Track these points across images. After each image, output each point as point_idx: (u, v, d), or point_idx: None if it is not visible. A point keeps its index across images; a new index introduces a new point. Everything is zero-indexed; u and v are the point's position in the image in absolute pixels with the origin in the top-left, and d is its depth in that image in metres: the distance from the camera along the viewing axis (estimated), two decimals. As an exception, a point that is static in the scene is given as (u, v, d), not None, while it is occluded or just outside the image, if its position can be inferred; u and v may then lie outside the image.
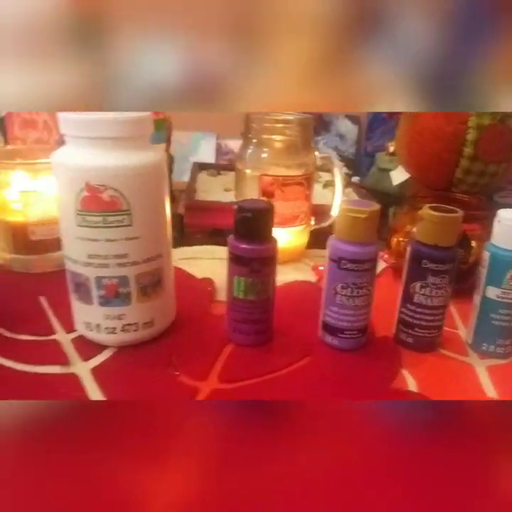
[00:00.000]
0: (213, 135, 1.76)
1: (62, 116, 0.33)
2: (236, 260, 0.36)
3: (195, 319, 0.41)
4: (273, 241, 0.37)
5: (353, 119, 1.78)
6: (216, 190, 0.69)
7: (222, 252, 0.56)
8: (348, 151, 1.71)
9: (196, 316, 0.42)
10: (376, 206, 0.36)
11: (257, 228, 0.36)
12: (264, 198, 0.49)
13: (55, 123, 0.65)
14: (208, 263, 0.53)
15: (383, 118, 1.68)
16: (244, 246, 0.36)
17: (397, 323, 0.39)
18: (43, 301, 0.43)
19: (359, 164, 1.62)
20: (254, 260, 0.36)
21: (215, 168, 0.77)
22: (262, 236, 0.36)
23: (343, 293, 0.36)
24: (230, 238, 0.36)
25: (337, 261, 0.36)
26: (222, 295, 0.46)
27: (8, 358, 0.35)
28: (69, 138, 0.34)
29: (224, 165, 0.91)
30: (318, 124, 1.79)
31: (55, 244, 0.48)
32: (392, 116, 0.66)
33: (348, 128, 1.77)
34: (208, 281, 0.48)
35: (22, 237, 0.46)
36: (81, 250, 0.34)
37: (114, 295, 0.35)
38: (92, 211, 0.33)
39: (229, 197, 0.66)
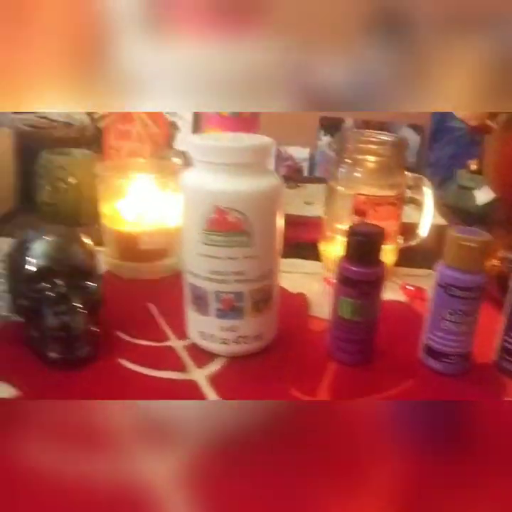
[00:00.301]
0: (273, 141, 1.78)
1: (193, 142, 0.36)
2: (345, 281, 0.38)
3: (295, 334, 0.43)
4: (382, 264, 0.38)
5: (416, 128, 1.76)
6: (297, 203, 0.71)
7: (309, 266, 0.58)
8: (409, 161, 1.69)
9: (295, 331, 0.44)
10: (487, 236, 0.36)
11: (368, 252, 0.37)
12: (366, 220, 0.50)
13: (148, 134, 0.69)
14: (297, 277, 0.55)
15: (449, 128, 1.64)
16: (354, 268, 0.37)
17: (500, 351, 0.39)
18: (152, 307, 0.46)
19: (421, 175, 1.59)
20: (364, 283, 0.37)
21: (293, 180, 0.79)
22: (373, 259, 0.37)
23: (450, 319, 0.37)
24: (340, 259, 0.38)
25: (445, 287, 0.37)
26: (315, 310, 0.48)
27: (131, 360, 0.39)
28: (198, 162, 0.36)
29: (301, 177, 0.93)
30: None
31: (161, 253, 0.51)
32: (476, 134, 0.65)
33: (410, 137, 1.75)
34: (301, 296, 0.50)
35: (132, 246, 0.50)
36: (203, 266, 0.37)
37: (230, 308, 0.38)
38: (218, 231, 0.36)
39: (310, 210, 0.68)
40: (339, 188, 0.53)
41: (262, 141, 0.36)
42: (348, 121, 1.80)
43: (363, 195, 0.51)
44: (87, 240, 0.40)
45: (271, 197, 0.36)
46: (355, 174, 0.52)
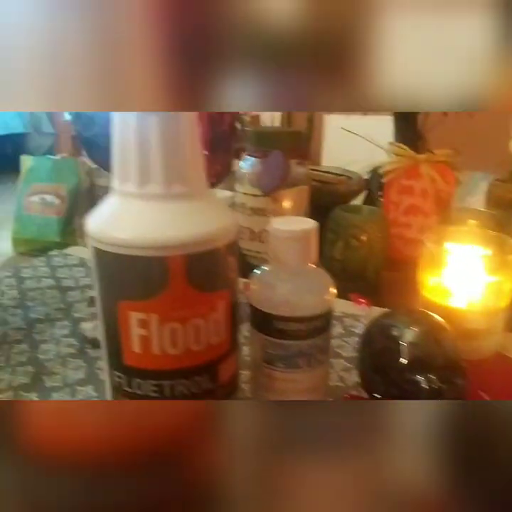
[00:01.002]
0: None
1: None
2: None
3: None
4: None
5: None
6: None
7: None
8: None
9: None
10: None
11: None
12: None
13: (434, 191, 0.66)
14: None
15: None
16: None
17: None
18: (485, 396, 0.43)
19: None
20: None
21: None
22: None
23: None
24: None
25: None
26: None
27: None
28: None
29: None
30: None
31: (484, 332, 0.47)
32: None
33: None
34: None
35: (455, 323, 0.47)
36: None
37: None
38: None
39: None
40: None
41: None
42: None
43: None
44: (448, 328, 0.39)
45: None
46: None
